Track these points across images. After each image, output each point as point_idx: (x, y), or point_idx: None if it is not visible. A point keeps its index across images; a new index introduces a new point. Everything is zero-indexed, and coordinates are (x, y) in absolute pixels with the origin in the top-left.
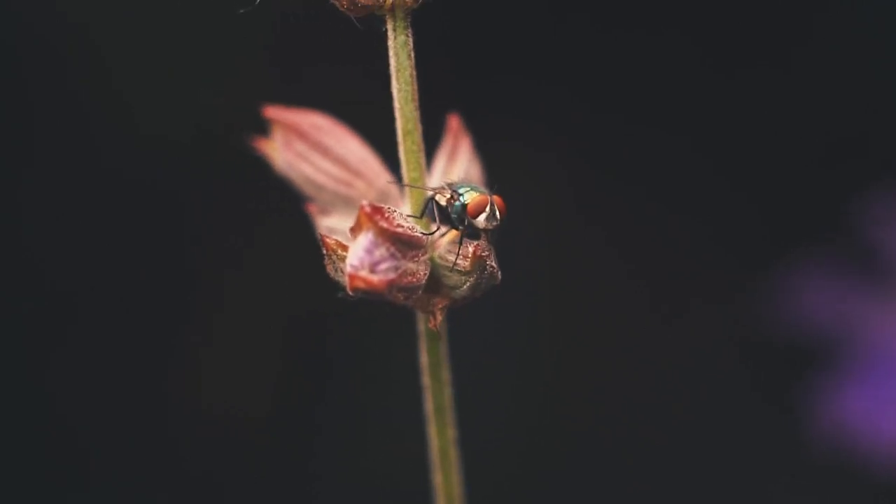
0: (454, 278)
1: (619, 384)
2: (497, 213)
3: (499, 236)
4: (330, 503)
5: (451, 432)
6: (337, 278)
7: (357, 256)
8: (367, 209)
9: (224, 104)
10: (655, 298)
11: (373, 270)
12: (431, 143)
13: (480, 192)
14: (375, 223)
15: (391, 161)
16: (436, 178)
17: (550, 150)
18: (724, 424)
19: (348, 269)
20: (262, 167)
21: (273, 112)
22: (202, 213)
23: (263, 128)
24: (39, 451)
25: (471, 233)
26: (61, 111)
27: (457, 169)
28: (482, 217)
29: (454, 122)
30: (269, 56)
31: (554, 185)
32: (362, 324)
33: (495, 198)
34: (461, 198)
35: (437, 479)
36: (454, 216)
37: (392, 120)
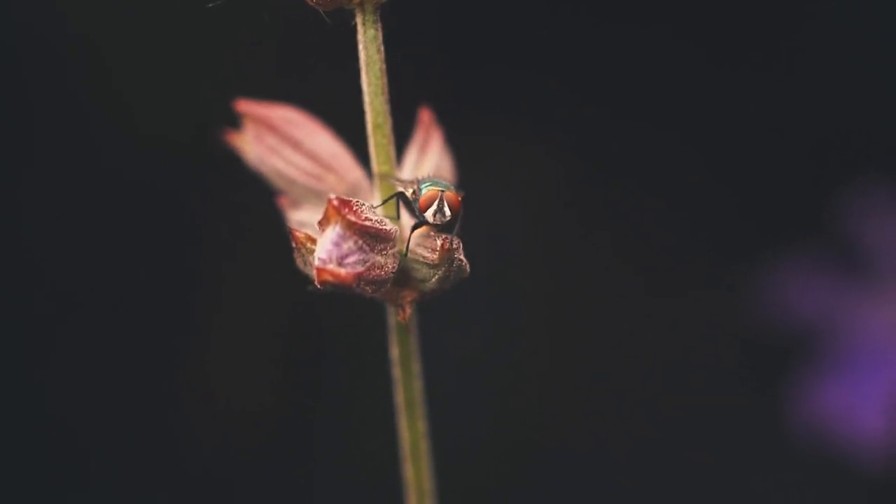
0: (423, 271)
1: (604, 378)
2: (446, 208)
3: (463, 230)
4: (329, 498)
5: (422, 425)
6: (306, 271)
7: (325, 250)
8: (335, 202)
9: (224, 103)
10: (641, 293)
11: (340, 264)
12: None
13: (441, 187)
14: (343, 216)
15: (365, 155)
16: (407, 172)
17: (539, 143)
18: (708, 418)
19: (316, 262)
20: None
21: (244, 106)
22: (201, 213)
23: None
24: (39, 451)
25: (445, 227)
26: (61, 111)
27: (428, 162)
28: (430, 211)
29: (425, 116)
30: (269, 55)
31: (543, 178)
32: (364, 317)
33: (447, 194)
34: (420, 193)
35: (408, 472)
36: (413, 210)
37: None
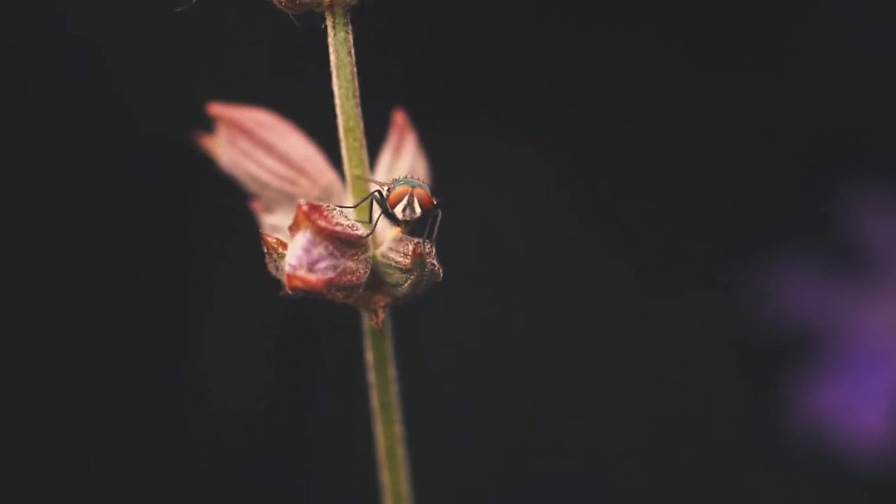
0: (395, 276)
1: (599, 380)
2: (416, 205)
3: (454, 231)
4: (324, 498)
5: (398, 430)
6: (278, 277)
7: (295, 255)
8: (305, 208)
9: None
10: (637, 293)
11: (311, 269)
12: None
13: (413, 185)
14: (313, 222)
15: (339, 158)
16: (381, 174)
17: (531, 144)
18: (705, 418)
19: (287, 268)
20: None
21: (216, 108)
22: (200, 213)
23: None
24: (39, 451)
25: (415, 225)
26: (61, 111)
27: (402, 165)
28: (399, 207)
29: (399, 118)
30: (269, 55)
31: (535, 180)
32: (359, 320)
33: (418, 191)
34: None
35: (385, 477)
36: (382, 208)
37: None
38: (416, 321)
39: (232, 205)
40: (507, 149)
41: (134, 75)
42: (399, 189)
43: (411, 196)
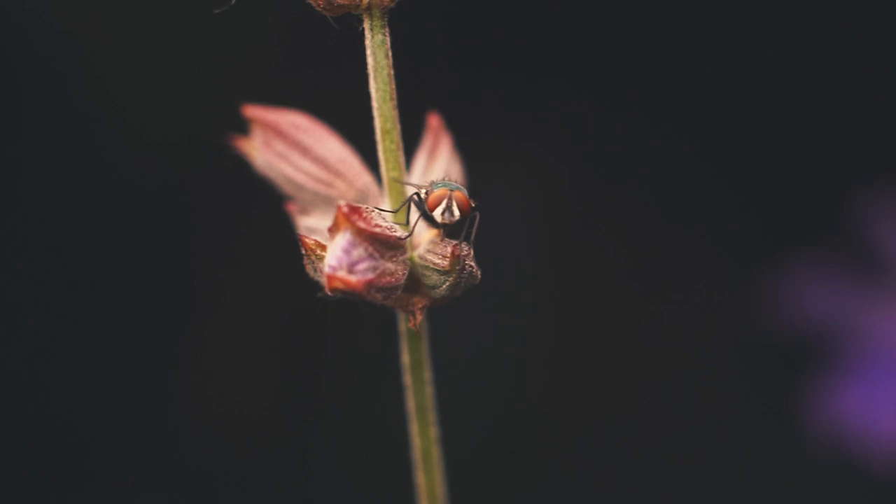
0: (433, 278)
1: (614, 383)
2: (454, 208)
3: (483, 234)
4: (326, 501)
5: (434, 431)
6: (316, 278)
7: (335, 257)
8: (345, 209)
9: (225, 104)
10: (652, 295)
11: (351, 271)
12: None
13: (452, 188)
14: (353, 223)
15: (373, 160)
16: (416, 177)
17: (546, 144)
18: (721, 422)
19: (326, 269)
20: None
21: (252, 111)
22: (201, 213)
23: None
24: (39, 451)
25: (454, 228)
26: (60, 110)
27: (437, 167)
28: (438, 211)
29: (434, 121)
30: (269, 56)
31: (549, 180)
32: (363, 322)
33: (457, 194)
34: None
35: (420, 479)
36: (423, 212)
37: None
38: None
39: (236, 207)
40: (513, 147)
41: (135, 77)
42: (437, 192)
43: (450, 199)
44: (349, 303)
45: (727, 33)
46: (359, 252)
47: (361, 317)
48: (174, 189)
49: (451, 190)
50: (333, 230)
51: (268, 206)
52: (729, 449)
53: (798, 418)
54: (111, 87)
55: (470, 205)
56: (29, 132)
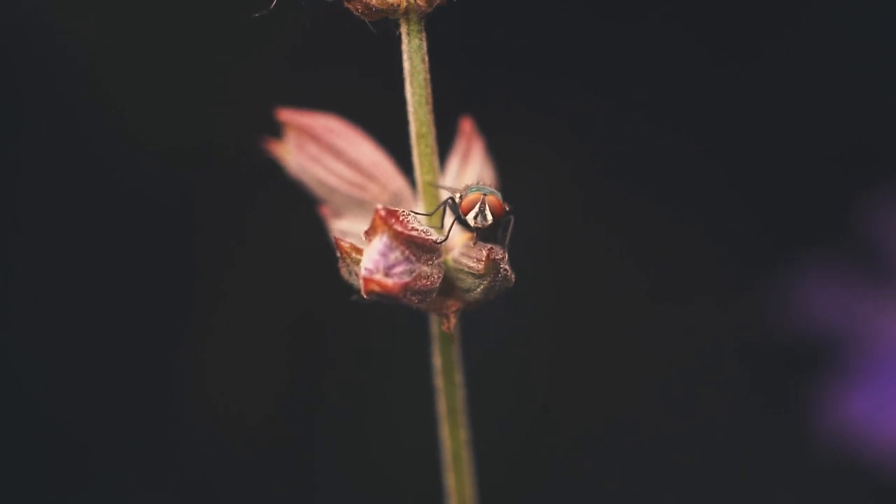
0: (468, 281)
1: (620, 383)
2: (487, 212)
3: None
4: (327, 501)
5: (464, 434)
6: (351, 281)
7: (372, 260)
8: (382, 212)
9: (227, 106)
10: (658, 298)
11: (387, 274)
12: (441, 142)
13: (486, 192)
14: (390, 226)
15: (404, 163)
16: (449, 181)
17: (553, 144)
18: (727, 425)
19: (363, 272)
20: (262, 168)
21: (286, 115)
22: (203, 214)
23: (273, 131)
24: (39, 451)
25: (487, 232)
26: (60, 112)
27: (470, 171)
28: (471, 215)
29: (467, 125)
30: (275, 59)
31: (558, 181)
32: (365, 323)
33: (490, 198)
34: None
35: (450, 480)
36: (457, 216)
37: (403, 122)
38: (424, 320)
39: (237, 207)
40: (521, 147)
41: (136, 80)
42: (471, 196)
43: (483, 203)
44: (353, 304)
45: (737, 35)
46: (395, 255)
47: (362, 317)
48: (174, 189)
49: (485, 194)
50: (370, 233)
51: (273, 208)
52: (734, 451)
53: (806, 422)
54: (111, 87)
55: (503, 209)
56: (29, 133)
